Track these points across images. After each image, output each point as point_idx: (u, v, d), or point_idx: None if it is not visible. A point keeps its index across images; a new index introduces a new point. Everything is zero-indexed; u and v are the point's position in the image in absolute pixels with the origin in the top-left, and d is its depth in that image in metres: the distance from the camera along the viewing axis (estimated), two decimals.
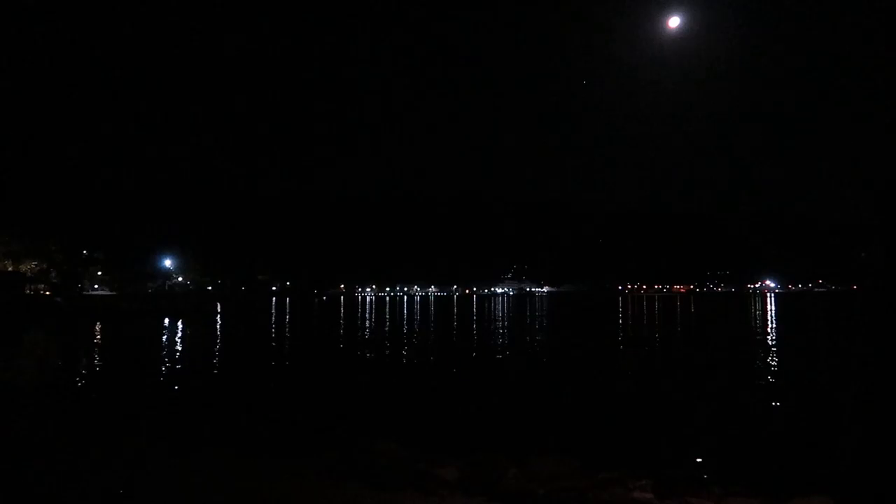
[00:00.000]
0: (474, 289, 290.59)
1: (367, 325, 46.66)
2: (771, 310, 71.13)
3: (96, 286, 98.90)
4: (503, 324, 47.89)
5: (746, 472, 8.97)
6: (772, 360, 22.98)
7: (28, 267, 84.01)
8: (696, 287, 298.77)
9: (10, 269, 78.96)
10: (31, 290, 75.18)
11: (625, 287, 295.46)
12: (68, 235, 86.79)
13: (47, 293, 76.29)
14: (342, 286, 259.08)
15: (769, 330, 38.95)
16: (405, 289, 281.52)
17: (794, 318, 55.35)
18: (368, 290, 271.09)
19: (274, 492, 7.32)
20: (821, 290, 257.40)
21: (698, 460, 9.71)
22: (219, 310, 74.38)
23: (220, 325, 48.13)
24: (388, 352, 27.30)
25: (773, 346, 28.95)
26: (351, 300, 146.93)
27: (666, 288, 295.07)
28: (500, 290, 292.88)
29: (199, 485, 7.57)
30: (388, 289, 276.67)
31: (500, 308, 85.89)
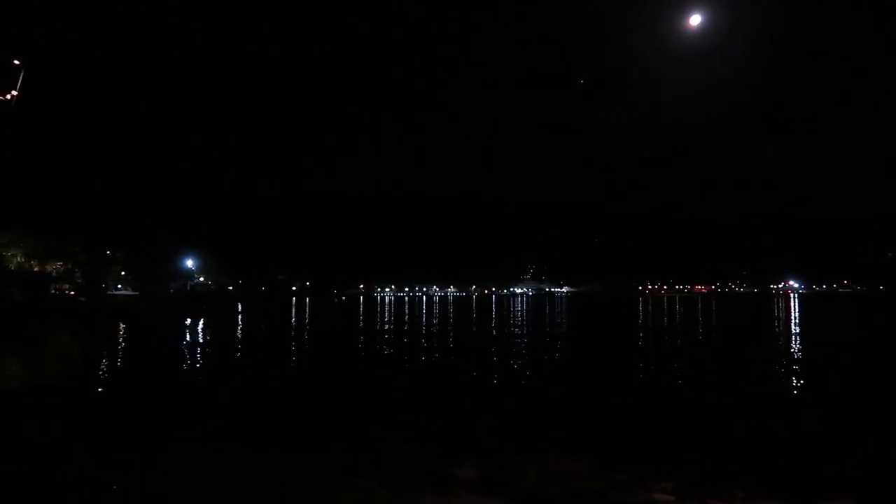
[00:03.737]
0: (493, 289, 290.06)
1: (386, 324, 46.74)
2: (794, 310, 70.09)
3: (119, 286, 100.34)
4: (522, 323, 47.71)
5: (769, 475, 8.82)
6: (795, 362, 22.61)
7: (53, 267, 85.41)
8: (717, 287, 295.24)
9: (35, 269, 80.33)
10: (55, 290, 76.44)
11: (645, 287, 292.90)
12: (91, 236, 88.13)
13: (71, 293, 77.53)
14: (361, 286, 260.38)
15: (792, 331, 38.35)
16: (424, 289, 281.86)
17: (818, 319, 54.44)
18: (387, 290, 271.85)
19: (287, 491, 7.33)
20: (846, 290, 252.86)
21: (720, 463, 9.57)
22: (240, 309, 75.06)
23: (241, 324, 48.52)
24: (405, 351, 27.27)
25: (796, 347, 28.50)
26: (370, 300, 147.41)
27: (687, 288, 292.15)
28: (519, 291, 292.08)
29: (208, 482, 7.61)
30: (406, 289, 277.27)
31: (519, 308, 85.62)
